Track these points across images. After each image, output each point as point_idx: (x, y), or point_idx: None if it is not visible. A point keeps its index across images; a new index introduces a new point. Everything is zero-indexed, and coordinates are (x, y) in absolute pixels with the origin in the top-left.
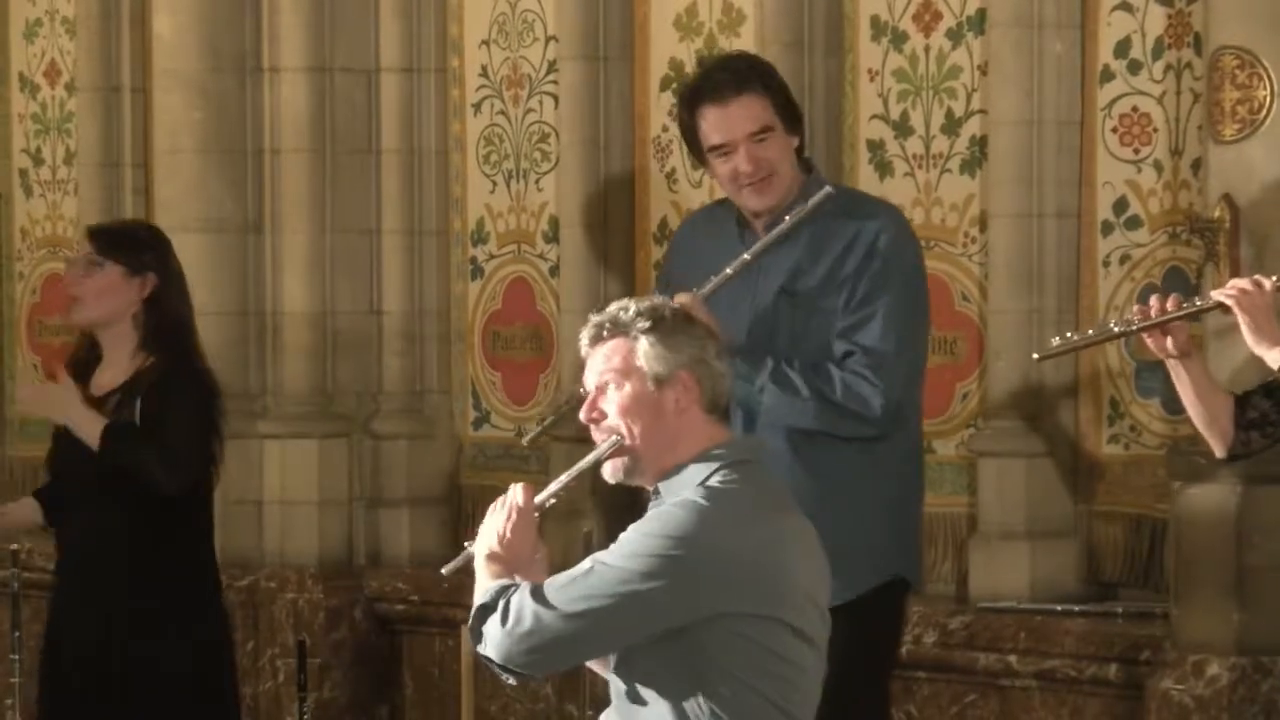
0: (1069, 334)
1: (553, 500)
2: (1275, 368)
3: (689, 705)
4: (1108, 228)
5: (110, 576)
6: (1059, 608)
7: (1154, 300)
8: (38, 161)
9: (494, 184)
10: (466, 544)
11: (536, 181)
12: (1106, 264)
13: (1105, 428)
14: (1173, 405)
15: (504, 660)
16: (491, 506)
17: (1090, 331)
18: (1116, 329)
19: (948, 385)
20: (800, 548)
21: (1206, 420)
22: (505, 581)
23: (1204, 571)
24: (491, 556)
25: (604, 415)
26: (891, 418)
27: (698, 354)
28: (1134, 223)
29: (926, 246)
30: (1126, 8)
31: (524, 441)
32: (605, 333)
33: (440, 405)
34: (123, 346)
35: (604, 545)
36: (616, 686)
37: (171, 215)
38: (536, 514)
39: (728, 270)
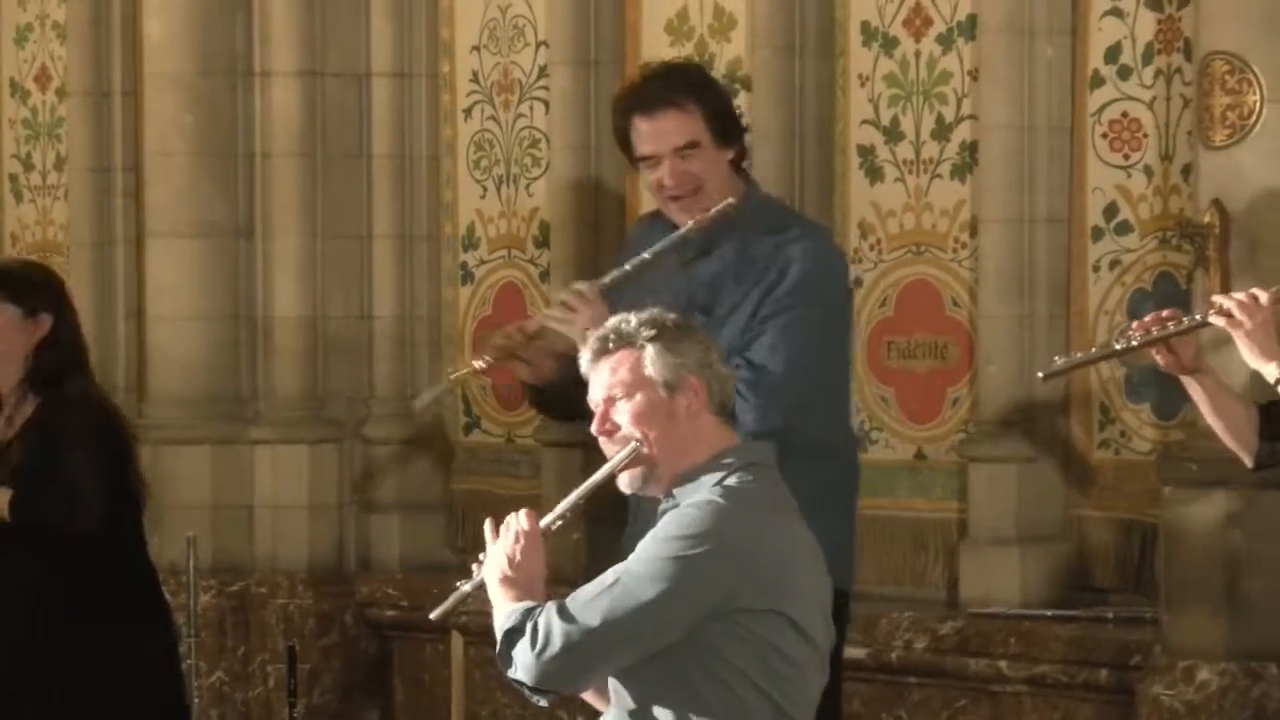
0: (1075, 354)
1: (560, 521)
2: (1273, 382)
3: (694, 707)
4: (1098, 233)
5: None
6: (1050, 613)
7: (1150, 315)
8: (28, 167)
9: (485, 189)
10: (460, 584)
11: (527, 187)
12: (1097, 269)
13: (1096, 433)
14: (1163, 410)
15: (538, 682)
16: (495, 532)
17: (1093, 350)
18: (1118, 346)
19: (939, 390)
20: (806, 551)
21: (1228, 433)
22: (527, 604)
23: (1194, 577)
24: (505, 581)
25: (616, 427)
26: (770, 435)
27: (703, 358)
28: (1124, 228)
29: (917, 252)
30: (1117, 13)
31: (416, 406)
32: (611, 345)
33: (431, 411)
34: (6, 387)
35: (592, 554)
36: (619, 691)
37: (162, 219)
38: (545, 536)
39: (626, 266)
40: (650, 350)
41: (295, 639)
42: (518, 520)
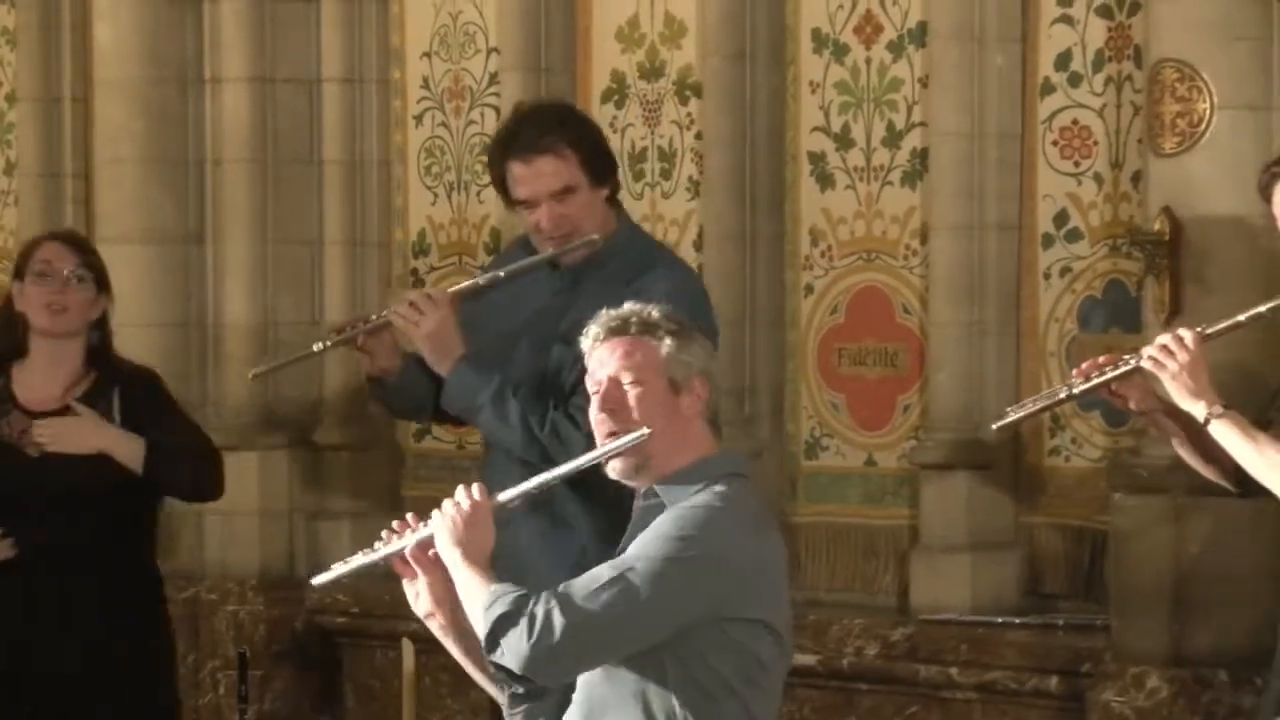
0: (1025, 402)
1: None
2: (1201, 420)
3: (665, 708)
4: (1048, 240)
5: (88, 589)
6: (1000, 620)
7: (1088, 361)
8: None
9: (435, 196)
10: (338, 565)
11: (478, 194)
12: (1047, 276)
13: (1047, 440)
14: (1114, 418)
15: (526, 671)
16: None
17: (1039, 399)
18: (1062, 394)
19: (889, 397)
20: (782, 560)
21: (1201, 464)
22: (517, 590)
23: (1144, 583)
24: (469, 559)
25: (620, 406)
26: None
27: (708, 363)
28: (1075, 235)
29: (868, 259)
30: (1067, 20)
31: (250, 375)
32: (632, 328)
33: (382, 417)
34: (69, 362)
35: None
36: (590, 686)
37: (112, 226)
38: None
39: (478, 280)
40: (668, 344)
41: (246, 646)
42: (471, 492)
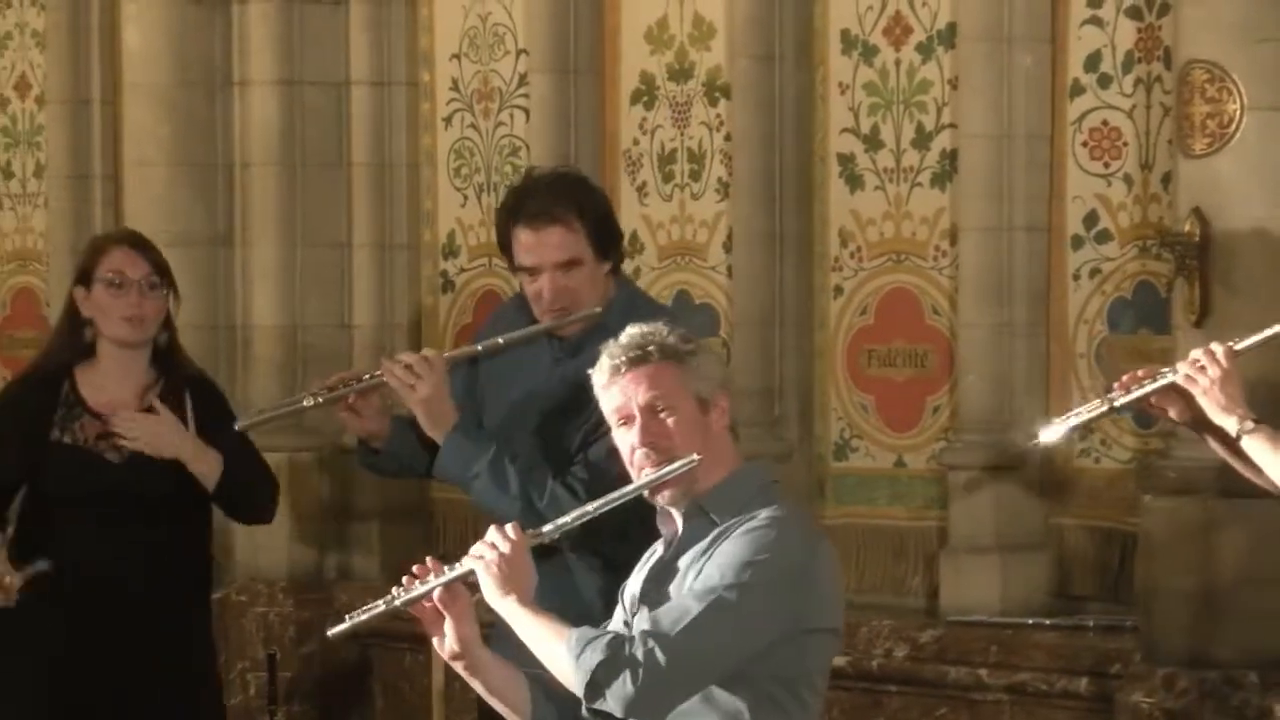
0: (1067, 415)
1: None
2: (1234, 435)
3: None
4: (1078, 241)
5: (174, 591)
6: (1029, 621)
7: (1128, 374)
8: (7, 175)
9: (465, 197)
10: (352, 616)
11: None
12: (1076, 278)
13: (1076, 441)
14: (1144, 420)
15: (632, 712)
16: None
17: (1080, 413)
18: (1104, 407)
19: (918, 399)
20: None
21: (1251, 472)
22: (601, 633)
23: (1174, 585)
24: (523, 600)
25: (663, 436)
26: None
27: (726, 376)
28: (1104, 236)
29: (897, 260)
30: (1096, 22)
31: (236, 427)
32: (654, 355)
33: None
34: (138, 364)
35: None
36: None
37: (140, 228)
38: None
39: (478, 346)
40: (692, 364)
41: (275, 647)
42: (503, 533)
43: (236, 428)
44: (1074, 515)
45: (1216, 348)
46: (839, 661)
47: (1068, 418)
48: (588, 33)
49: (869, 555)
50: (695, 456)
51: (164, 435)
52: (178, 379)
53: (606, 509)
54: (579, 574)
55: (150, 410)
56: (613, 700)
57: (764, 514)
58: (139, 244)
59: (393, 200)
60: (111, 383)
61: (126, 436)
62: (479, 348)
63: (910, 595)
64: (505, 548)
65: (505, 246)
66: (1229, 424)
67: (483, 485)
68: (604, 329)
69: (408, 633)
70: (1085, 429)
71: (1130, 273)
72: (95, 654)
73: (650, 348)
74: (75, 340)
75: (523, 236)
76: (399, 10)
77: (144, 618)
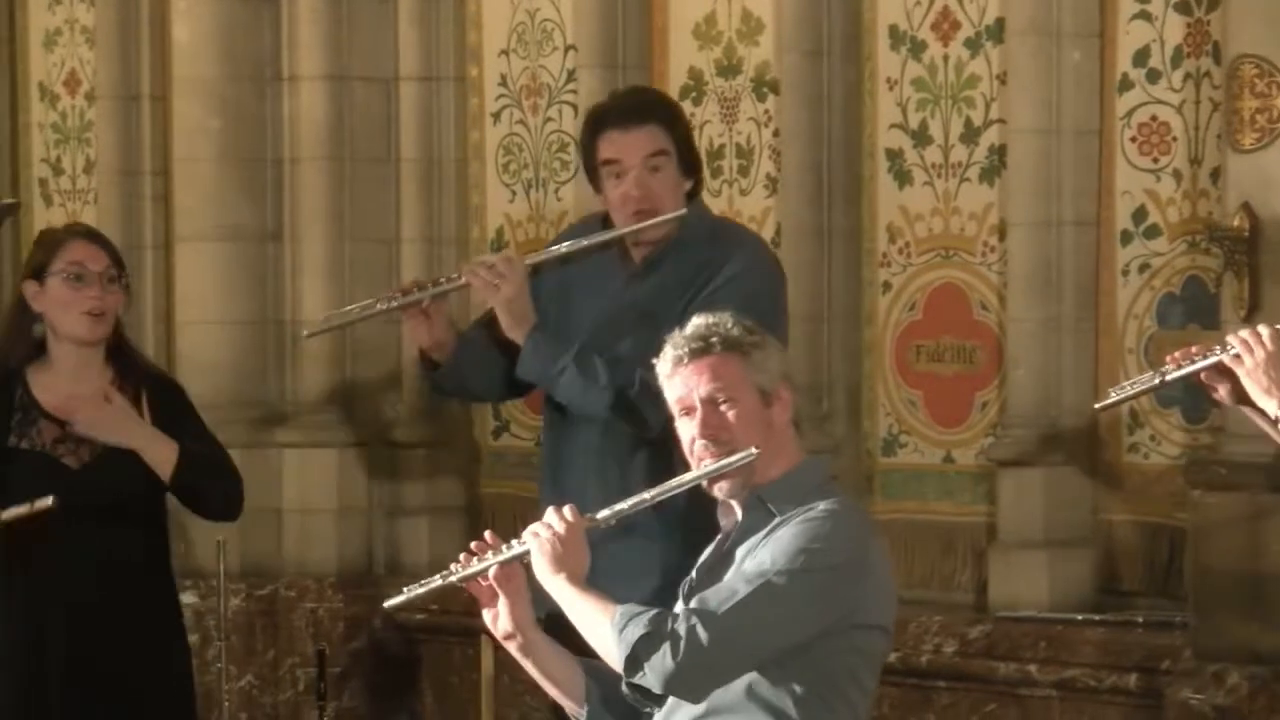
0: (1123, 385)
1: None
2: (1273, 417)
3: (779, 713)
4: (1126, 237)
5: (128, 598)
6: (1078, 617)
7: (1181, 350)
8: (57, 171)
9: (513, 193)
10: (409, 589)
11: (556, 190)
12: (1125, 273)
13: (1125, 436)
14: (1192, 415)
15: (669, 689)
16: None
17: (1136, 383)
18: (1156, 380)
19: (966, 394)
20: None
21: None
22: (647, 610)
23: (1223, 580)
24: (573, 578)
25: (724, 429)
26: None
27: (787, 370)
28: (1153, 231)
29: (945, 256)
30: (1145, 16)
31: (305, 335)
32: (717, 347)
33: (459, 414)
34: (93, 362)
35: None
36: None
37: (190, 223)
38: (614, 522)
39: (559, 248)
40: (755, 356)
41: (324, 642)
42: (560, 514)
43: (305, 335)
44: (1123, 511)
45: (1264, 329)
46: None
47: (1123, 388)
48: (636, 28)
49: (917, 551)
50: (754, 450)
51: (113, 422)
52: (135, 377)
53: (664, 497)
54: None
55: (106, 400)
56: (652, 674)
57: (822, 506)
58: (95, 237)
59: (441, 196)
60: (65, 383)
61: (81, 427)
62: (563, 248)
63: (959, 591)
64: (560, 528)
65: (589, 162)
66: (1269, 406)
67: (570, 379)
68: (681, 247)
69: (457, 627)
70: (1130, 415)
71: (1179, 268)
72: (54, 668)
73: (713, 339)
74: (26, 339)
75: (612, 135)
76: (447, 5)
77: (102, 627)
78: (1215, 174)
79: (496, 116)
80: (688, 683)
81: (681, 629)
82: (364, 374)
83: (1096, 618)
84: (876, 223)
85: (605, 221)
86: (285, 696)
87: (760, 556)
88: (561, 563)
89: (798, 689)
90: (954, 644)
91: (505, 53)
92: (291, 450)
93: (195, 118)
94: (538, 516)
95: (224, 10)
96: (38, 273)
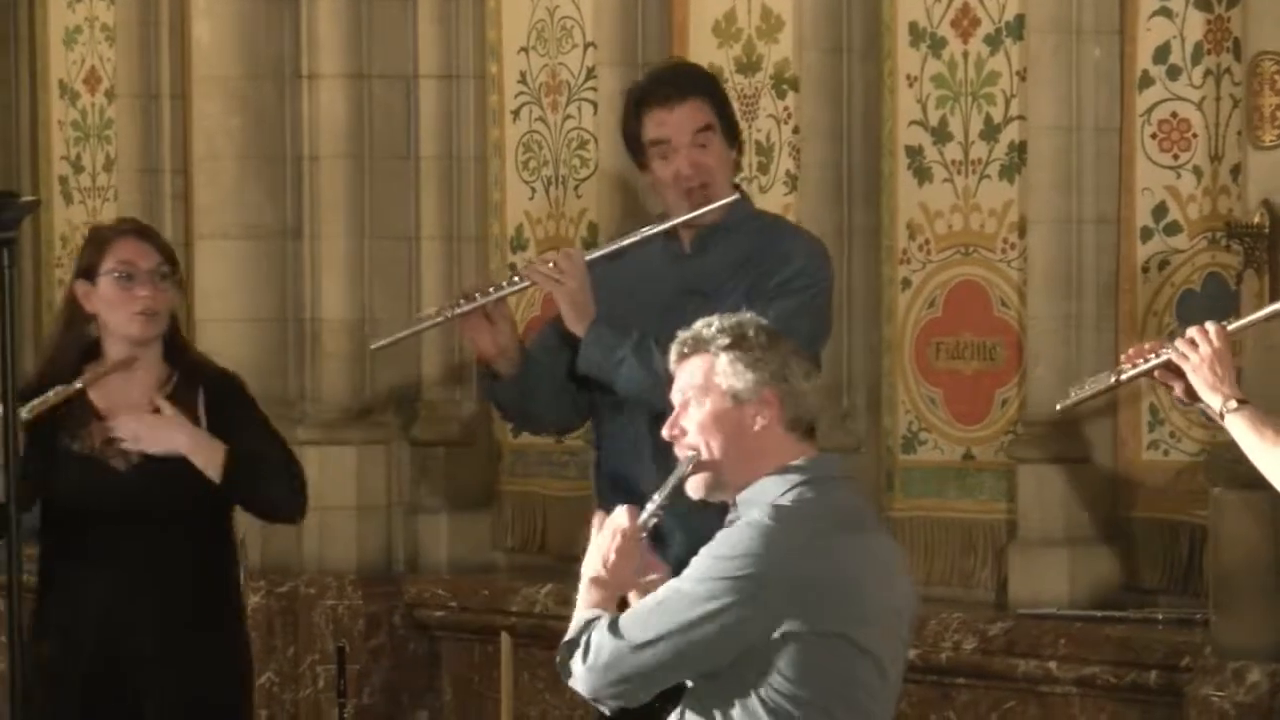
0: (1083, 383)
1: (655, 520)
2: (1217, 413)
3: None
4: (1147, 233)
5: (174, 603)
6: (1099, 614)
7: (1134, 348)
8: (77, 168)
9: (533, 190)
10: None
11: (575, 188)
12: (1146, 270)
13: (1145, 434)
14: None
15: (591, 696)
16: (595, 529)
17: (1093, 382)
18: (1112, 379)
19: (987, 391)
20: (877, 567)
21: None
22: (592, 614)
23: (1244, 578)
24: (595, 581)
25: (685, 431)
26: None
27: (779, 371)
28: (1173, 228)
29: (965, 253)
30: (1165, 13)
31: (371, 348)
32: (686, 350)
33: (479, 412)
34: (150, 363)
35: None
36: (682, 708)
37: (210, 221)
38: (643, 534)
39: (623, 242)
40: (723, 359)
41: (344, 640)
42: (618, 517)
43: (372, 348)
44: (1143, 508)
45: (1210, 326)
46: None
47: (1082, 387)
48: (656, 26)
49: (937, 548)
50: (690, 453)
51: (157, 432)
52: (193, 375)
53: (665, 499)
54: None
55: (156, 411)
56: (576, 680)
57: (755, 513)
58: (145, 233)
59: (461, 193)
60: (119, 382)
61: (125, 439)
62: (625, 242)
63: (979, 588)
64: (618, 539)
65: (634, 141)
66: (1214, 402)
67: (629, 368)
68: (729, 229)
69: (477, 625)
70: (1151, 413)
71: (1199, 265)
72: (104, 679)
73: (687, 341)
74: (80, 340)
75: (656, 115)
76: (467, 3)
77: (154, 636)
78: (1236, 170)
79: (516, 114)
80: (593, 688)
81: (595, 636)
82: (384, 372)
83: (1117, 615)
84: (896, 220)
85: (659, 216)
86: (305, 694)
87: (689, 567)
88: (599, 566)
89: (751, 706)
90: (974, 641)
91: (525, 50)
92: (311, 448)
93: (215, 116)
94: (558, 513)
95: (244, 8)
96: (88, 272)
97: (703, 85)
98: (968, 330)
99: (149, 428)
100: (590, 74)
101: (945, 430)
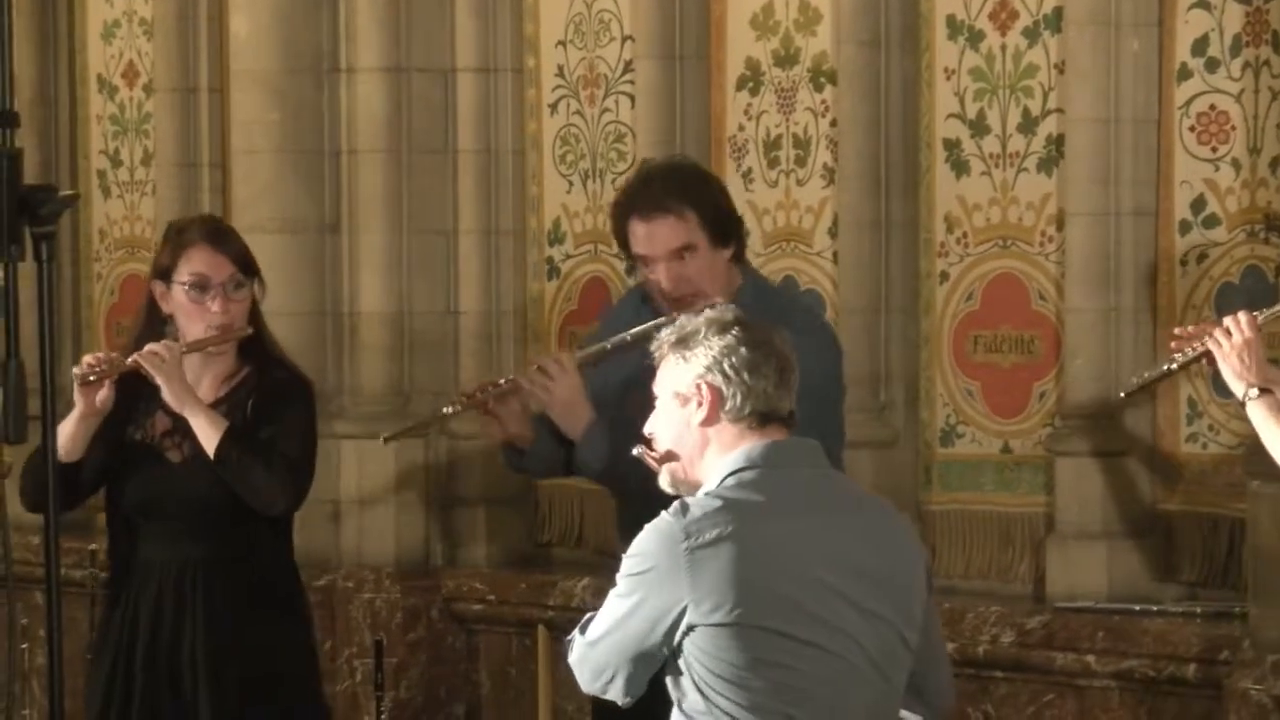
0: (1141, 373)
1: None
2: (1240, 399)
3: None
4: (1185, 226)
5: (233, 603)
6: (1137, 607)
7: (1180, 329)
8: (116, 163)
9: (570, 184)
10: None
11: (613, 181)
12: (1184, 263)
13: (1184, 426)
14: None
15: (585, 690)
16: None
17: (1152, 373)
18: (1165, 367)
19: (1025, 384)
20: (807, 549)
21: None
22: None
23: None
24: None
25: (651, 434)
26: None
27: (716, 363)
28: (1211, 221)
29: (1003, 246)
30: (1204, 5)
31: (382, 440)
32: (657, 353)
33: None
34: (224, 360)
35: None
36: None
37: (248, 215)
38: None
39: (607, 344)
40: (670, 358)
41: (382, 633)
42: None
43: (383, 440)
44: (1181, 501)
45: (1242, 316)
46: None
47: (1144, 375)
48: (694, 19)
49: (975, 541)
50: (636, 449)
51: (175, 378)
52: (262, 376)
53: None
54: None
55: (216, 404)
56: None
57: (663, 510)
58: (219, 239)
59: (498, 187)
60: (190, 375)
61: (145, 365)
62: (608, 345)
63: (1017, 581)
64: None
65: (623, 242)
66: (1238, 389)
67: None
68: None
69: (514, 618)
70: (1189, 405)
71: (1238, 257)
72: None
73: (658, 345)
74: (158, 337)
75: (637, 229)
76: None
77: (185, 624)
78: (1274, 163)
79: (554, 107)
80: (581, 683)
81: (574, 635)
82: (421, 365)
83: (1155, 608)
84: (934, 213)
85: (649, 300)
86: (343, 687)
87: None
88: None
89: (682, 692)
90: (1012, 634)
91: (562, 43)
92: (349, 441)
93: (253, 110)
94: (605, 505)
95: (282, 2)
96: (164, 275)
97: (688, 194)
98: (1006, 323)
99: (168, 368)
100: (628, 67)
101: (983, 423)
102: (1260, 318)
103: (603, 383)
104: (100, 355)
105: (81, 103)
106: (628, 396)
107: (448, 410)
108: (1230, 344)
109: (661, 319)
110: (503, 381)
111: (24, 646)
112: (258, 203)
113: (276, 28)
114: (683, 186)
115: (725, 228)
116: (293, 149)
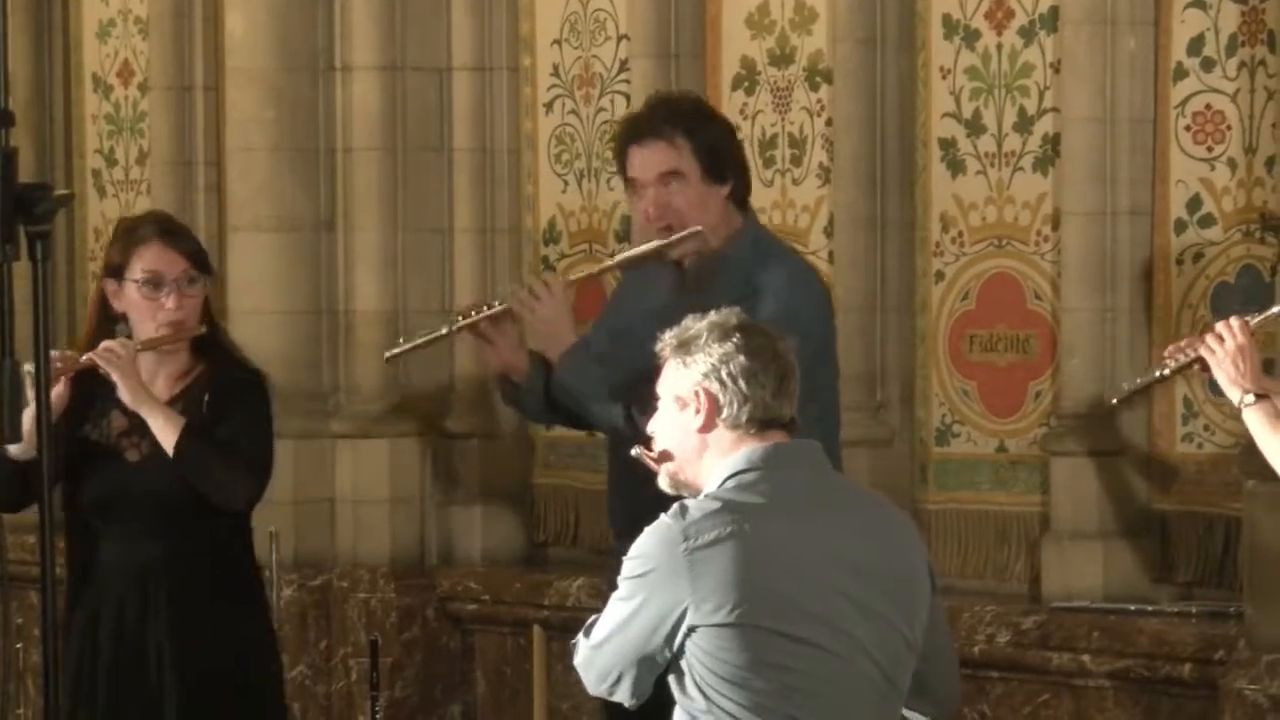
0: (1134, 379)
1: None
2: (1236, 405)
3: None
4: (1181, 226)
5: (189, 586)
6: (1132, 607)
7: (1172, 345)
8: (111, 161)
9: (566, 183)
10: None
11: (608, 180)
12: (1180, 262)
13: (1179, 426)
14: None
15: (592, 692)
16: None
17: (1143, 378)
18: (1157, 373)
19: (1020, 384)
20: (807, 551)
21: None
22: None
23: (1278, 570)
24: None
25: (652, 435)
26: None
27: (715, 369)
28: (1207, 221)
29: (999, 245)
30: (1200, 5)
31: (385, 358)
32: (660, 354)
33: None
34: (179, 358)
35: None
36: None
37: (244, 214)
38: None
39: (593, 269)
40: (671, 364)
41: (377, 633)
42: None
43: (386, 357)
44: (1177, 500)
45: (1234, 321)
46: None
47: (1135, 381)
48: (689, 18)
49: (971, 541)
50: (634, 451)
51: (131, 375)
52: (215, 370)
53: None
54: None
55: (172, 402)
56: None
57: (662, 514)
58: (172, 235)
59: (494, 185)
60: (148, 370)
61: (100, 362)
62: (595, 270)
63: (1013, 581)
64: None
65: (622, 167)
66: (1234, 395)
67: (599, 408)
68: (726, 261)
69: (510, 618)
70: (1185, 405)
71: (1234, 257)
72: (127, 665)
73: (661, 347)
74: (110, 336)
75: (630, 153)
76: None
77: (170, 620)
78: (1270, 162)
79: (549, 106)
80: (587, 685)
81: (579, 638)
82: (417, 364)
83: (1150, 608)
84: (930, 212)
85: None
86: (338, 686)
87: None
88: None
89: (682, 694)
90: (1008, 634)
91: (558, 42)
92: (344, 440)
93: (249, 108)
94: (592, 508)
95: (278, 1)
96: (116, 272)
97: (684, 122)
98: (1001, 323)
99: (127, 378)
100: (623, 66)
101: (979, 423)
102: (1253, 322)
103: (606, 326)
104: (55, 353)
105: (76, 101)
106: (616, 343)
107: (446, 329)
108: (1223, 350)
109: (645, 245)
110: (496, 304)
111: (19, 646)
112: (253, 201)
113: (272, 26)
114: (680, 115)
115: (720, 163)
116: (288, 147)
